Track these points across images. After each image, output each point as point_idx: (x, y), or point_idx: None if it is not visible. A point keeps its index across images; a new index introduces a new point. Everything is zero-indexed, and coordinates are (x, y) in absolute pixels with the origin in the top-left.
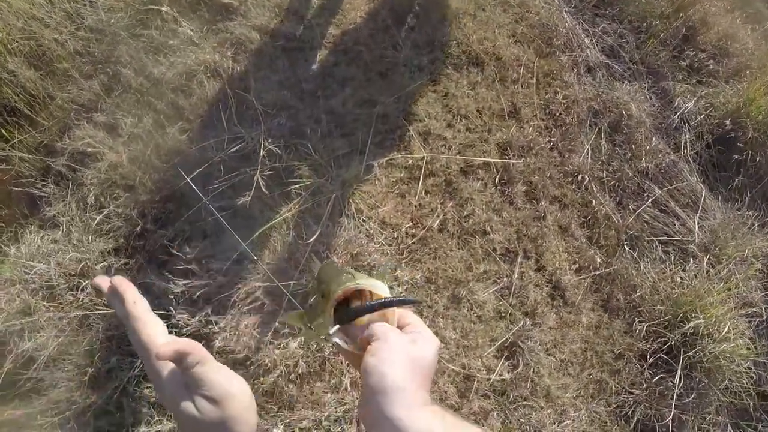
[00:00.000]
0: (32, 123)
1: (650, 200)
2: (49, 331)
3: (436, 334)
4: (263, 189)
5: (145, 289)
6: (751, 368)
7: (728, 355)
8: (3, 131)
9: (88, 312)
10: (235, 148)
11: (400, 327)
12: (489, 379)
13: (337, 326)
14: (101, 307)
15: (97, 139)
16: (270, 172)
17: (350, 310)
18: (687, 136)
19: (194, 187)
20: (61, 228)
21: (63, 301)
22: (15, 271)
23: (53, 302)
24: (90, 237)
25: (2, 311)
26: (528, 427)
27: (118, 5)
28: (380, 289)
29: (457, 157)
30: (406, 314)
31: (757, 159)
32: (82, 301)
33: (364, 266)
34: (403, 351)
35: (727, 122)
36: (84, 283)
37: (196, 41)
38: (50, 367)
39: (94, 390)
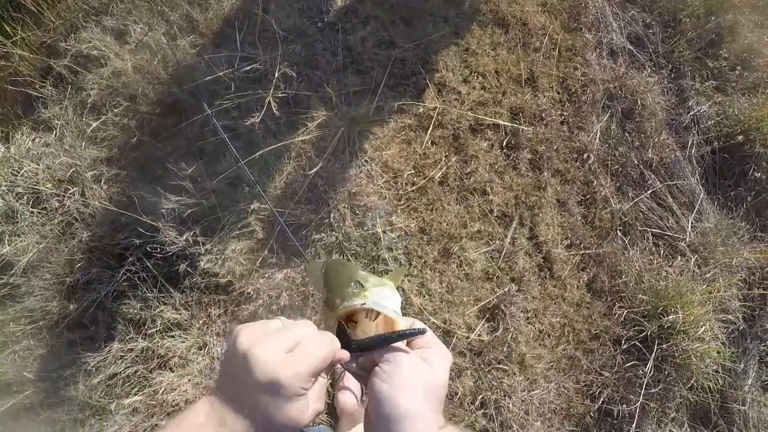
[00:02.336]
0: (37, 21)
1: (650, 191)
2: (31, 236)
3: (421, 285)
4: (274, 111)
5: (136, 202)
6: (719, 372)
7: (700, 354)
8: (6, 27)
9: (72, 219)
10: (247, 68)
11: (410, 340)
12: (468, 338)
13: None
14: (87, 217)
15: (103, 44)
16: (282, 95)
17: (352, 343)
18: (695, 137)
19: (199, 97)
20: (54, 131)
21: (48, 206)
22: (2, 171)
23: (38, 207)
24: (83, 143)
25: None
26: (499, 390)
27: None
28: (390, 304)
29: (469, 113)
30: (413, 324)
31: (759, 174)
32: (67, 207)
33: (360, 206)
34: (417, 376)
35: (737, 133)
36: (71, 190)
37: None
38: (28, 274)
39: (70, 301)
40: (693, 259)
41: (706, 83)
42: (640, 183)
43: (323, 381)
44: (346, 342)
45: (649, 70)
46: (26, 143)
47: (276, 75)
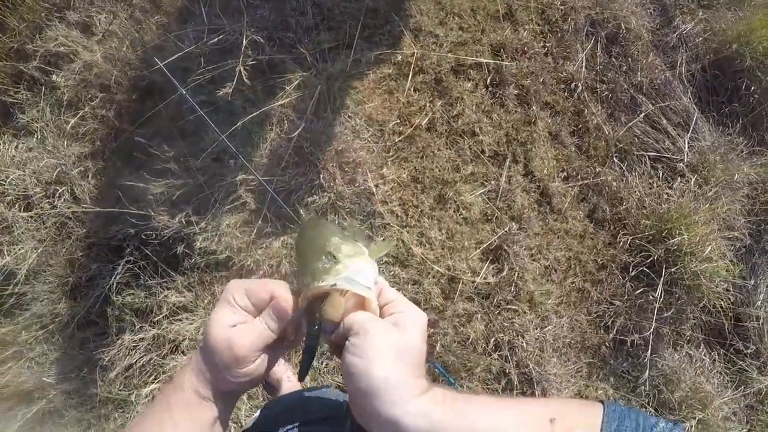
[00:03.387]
0: (2, 28)
1: (642, 115)
2: (28, 243)
3: (421, 235)
4: (245, 80)
5: (124, 192)
6: (729, 290)
7: (708, 274)
8: None
9: (65, 219)
10: (215, 40)
11: (380, 306)
12: (474, 282)
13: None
14: (79, 213)
15: (70, 39)
16: (253, 62)
17: (315, 324)
18: (684, 56)
19: (170, 76)
20: (35, 135)
21: (40, 209)
22: None
23: (30, 212)
24: (65, 141)
25: None
26: (511, 330)
27: None
28: (362, 278)
29: (449, 55)
30: (384, 291)
31: (752, 88)
32: (59, 208)
33: (348, 163)
34: (388, 342)
35: (725, 49)
36: (60, 190)
37: None
38: (31, 281)
39: (77, 300)
40: (693, 179)
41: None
42: (631, 107)
43: (261, 324)
44: (314, 319)
45: None
46: (9, 151)
47: (244, 43)
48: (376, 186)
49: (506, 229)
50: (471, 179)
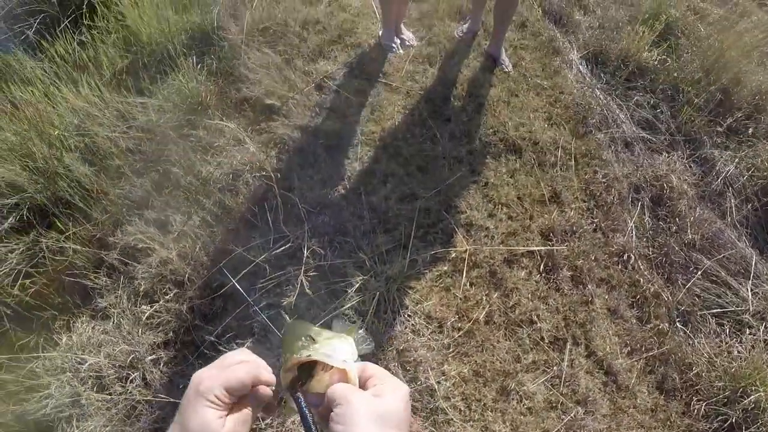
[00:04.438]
0: (86, 216)
1: (699, 272)
2: (97, 419)
3: (485, 428)
4: (307, 290)
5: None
6: None
7: None
8: (58, 223)
9: (135, 403)
10: (280, 248)
11: (363, 381)
12: None
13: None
14: (150, 398)
15: (147, 235)
16: (314, 273)
17: (298, 395)
18: (732, 201)
19: (240, 289)
20: (111, 319)
21: (112, 391)
22: (66, 359)
23: (102, 392)
24: (140, 330)
25: (52, 397)
26: None
27: (167, 106)
28: (339, 354)
29: (500, 247)
30: (365, 367)
31: None
32: (130, 392)
33: (410, 362)
34: (369, 410)
35: None
36: (132, 375)
37: (241, 141)
38: None
39: None
40: (762, 328)
41: (727, 143)
42: (687, 267)
43: (247, 412)
44: (294, 392)
45: (667, 149)
46: (86, 332)
47: (305, 253)
48: (438, 383)
49: (572, 414)
50: (532, 368)
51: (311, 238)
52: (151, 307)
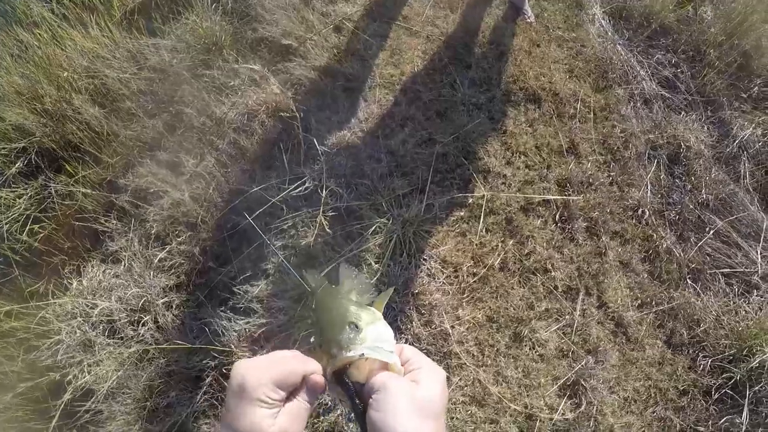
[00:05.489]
0: (96, 159)
1: (711, 232)
2: (109, 364)
3: (497, 374)
4: (327, 229)
5: (206, 325)
6: None
7: None
8: (68, 167)
9: (148, 347)
10: (296, 188)
11: (402, 365)
12: (552, 419)
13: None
14: (162, 343)
15: (159, 177)
16: (331, 215)
17: (350, 387)
18: (746, 165)
19: (256, 227)
20: (122, 263)
21: (124, 335)
22: (76, 304)
23: (113, 337)
24: (152, 273)
25: (63, 342)
26: None
27: (181, 46)
28: (385, 344)
29: (517, 194)
30: (402, 349)
31: None
32: (142, 336)
33: (425, 306)
34: (407, 396)
35: None
36: (144, 319)
37: (257, 81)
38: (109, 400)
39: (152, 424)
40: None
41: (745, 107)
42: (700, 226)
43: (301, 404)
44: (346, 383)
45: (686, 109)
46: (97, 276)
47: (324, 193)
48: (452, 327)
49: (583, 363)
50: (545, 315)
51: (328, 179)
52: (162, 249)
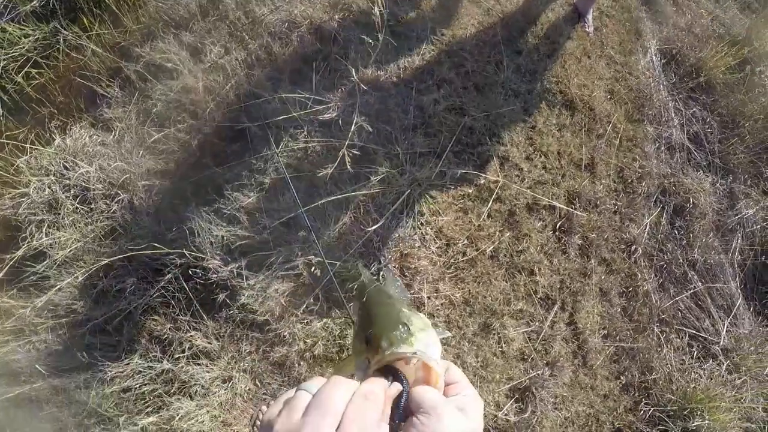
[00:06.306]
0: (116, 21)
1: (690, 292)
2: (71, 232)
3: (457, 357)
4: (348, 166)
5: (184, 222)
6: None
7: None
8: (84, 19)
9: (117, 226)
10: (320, 113)
11: (446, 384)
12: (495, 416)
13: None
14: (132, 226)
15: (178, 57)
16: (356, 152)
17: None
18: (739, 242)
19: (268, 133)
20: (113, 133)
21: (94, 207)
22: (54, 161)
23: (84, 205)
24: (141, 151)
25: (28, 196)
26: None
27: None
28: (434, 352)
29: (528, 191)
30: (451, 369)
31: None
32: (114, 212)
33: (409, 268)
34: (455, 429)
35: None
36: (121, 196)
37: None
38: (60, 269)
39: (99, 305)
40: (725, 365)
41: (757, 188)
42: (682, 281)
43: (385, 426)
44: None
45: (705, 169)
46: (83, 138)
47: (352, 128)
48: (429, 298)
49: (539, 372)
50: (518, 315)
51: (357, 116)
52: (160, 131)
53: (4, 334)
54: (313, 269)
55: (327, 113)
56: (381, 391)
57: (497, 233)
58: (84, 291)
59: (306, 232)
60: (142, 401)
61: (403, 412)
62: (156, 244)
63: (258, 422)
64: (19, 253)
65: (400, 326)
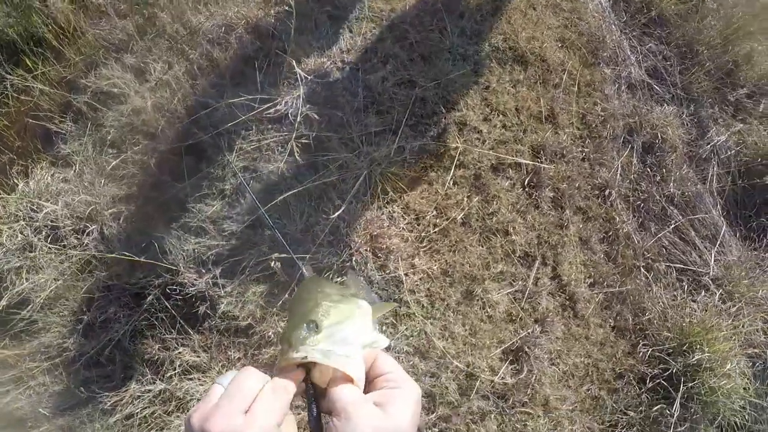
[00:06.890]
0: (58, 56)
1: (672, 226)
2: (49, 272)
3: (444, 328)
4: (297, 157)
5: (154, 242)
6: (745, 408)
7: (726, 391)
8: (27, 61)
9: (91, 258)
10: (267, 110)
11: (372, 377)
12: (492, 381)
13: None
14: (106, 255)
15: (123, 81)
16: (305, 141)
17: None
18: (715, 169)
19: (220, 144)
20: (73, 168)
21: (67, 243)
22: (21, 206)
23: (56, 244)
24: (103, 180)
25: (2, 245)
26: None
27: None
28: (342, 351)
29: (490, 152)
30: (377, 359)
31: None
32: (86, 245)
33: (382, 249)
34: (369, 426)
35: (756, 162)
36: (90, 228)
37: None
38: (45, 310)
39: (88, 339)
40: (717, 294)
41: (725, 113)
42: (662, 218)
43: (291, 417)
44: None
45: (669, 102)
46: (45, 178)
47: (298, 119)
48: (406, 275)
49: (529, 330)
50: (499, 278)
51: (303, 106)
52: (117, 157)
53: (3, 384)
54: (274, 264)
55: (274, 109)
56: (292, 388)
57: (465, 199)
58: (71, 327)
59: (271, 231)
60: (145, 425)
61: (317, 417)
62: (131, 269)
63: None
64: (3, 302)
65: (305, 325)
